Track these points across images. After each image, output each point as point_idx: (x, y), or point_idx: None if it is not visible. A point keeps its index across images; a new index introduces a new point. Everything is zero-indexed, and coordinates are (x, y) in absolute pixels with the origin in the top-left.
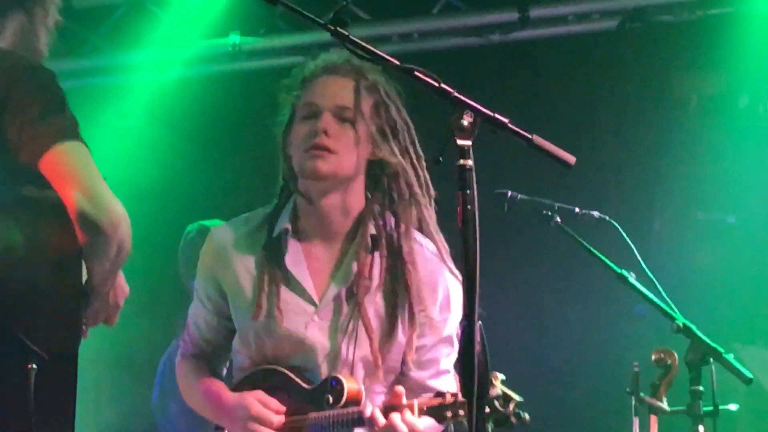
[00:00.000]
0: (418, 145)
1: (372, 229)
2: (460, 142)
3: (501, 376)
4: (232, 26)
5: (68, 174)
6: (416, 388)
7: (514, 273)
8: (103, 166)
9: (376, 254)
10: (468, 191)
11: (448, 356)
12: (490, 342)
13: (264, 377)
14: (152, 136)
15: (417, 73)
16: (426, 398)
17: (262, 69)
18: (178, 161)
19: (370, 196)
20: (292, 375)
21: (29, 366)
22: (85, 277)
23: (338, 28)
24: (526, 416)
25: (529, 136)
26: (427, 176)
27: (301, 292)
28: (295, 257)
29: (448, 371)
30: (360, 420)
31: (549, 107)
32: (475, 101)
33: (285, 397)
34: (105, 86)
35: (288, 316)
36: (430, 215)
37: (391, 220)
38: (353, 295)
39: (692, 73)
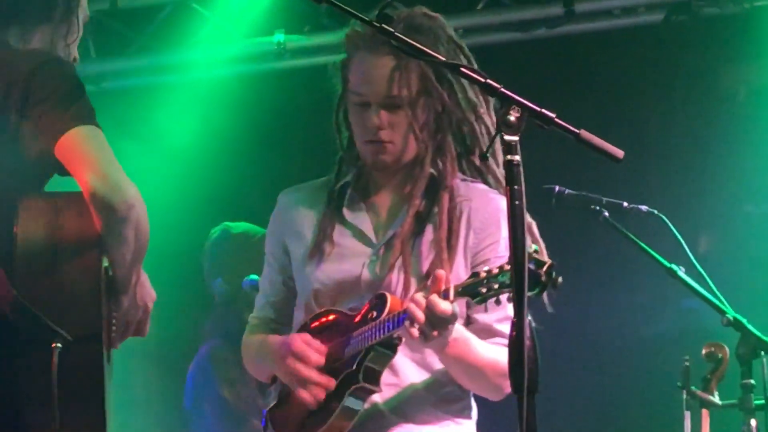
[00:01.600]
0: (469, 90)
1: (432, 172)
2: (507, 137)
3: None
4: (276, 24)
5: (82, 157)
6: (483, 333)
7: (563, 268)
8: (149, 165)
9: (437, 196)
10: (516, 187)
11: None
12: (539, 337)
13: (314, 319)
14: (198, 135)
15: (463, 69)
16: (462, 281)
17: (307, 67)
18: (224, 160)
19: (432, 143)
20: (342, 310)
21: (54, 345)
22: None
23: (383, 25)
24: (560, 278)
25: (577, 131)
26: (487, 122)
27: (359, 235)
28: (354, 205)
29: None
30: (399, 322)
31: (595, 102)
32: (521, 96)
33: (333, 331)
34: (150, 86)
35: (345, 259)
36: (495, 161)
37: (451, 164)
38: (411, 235)
39: (739, 65)
